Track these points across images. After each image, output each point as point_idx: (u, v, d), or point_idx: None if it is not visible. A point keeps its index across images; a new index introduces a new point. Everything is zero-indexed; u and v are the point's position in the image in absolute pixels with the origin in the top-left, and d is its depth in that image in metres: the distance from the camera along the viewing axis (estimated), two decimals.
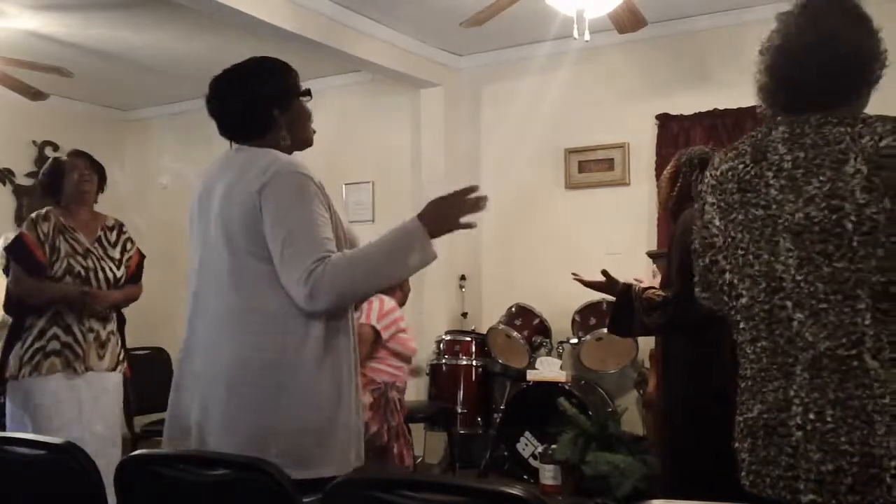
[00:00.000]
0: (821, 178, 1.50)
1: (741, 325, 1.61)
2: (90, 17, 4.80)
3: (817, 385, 1.48)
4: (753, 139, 1.62)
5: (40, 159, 6.54)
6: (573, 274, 3.03)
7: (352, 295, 1.94)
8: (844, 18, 1.59)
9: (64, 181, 3.26)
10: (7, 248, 3.24)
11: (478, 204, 1.98)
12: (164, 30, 5.01)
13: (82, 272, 3.13)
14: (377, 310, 3.82)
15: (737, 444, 1.62)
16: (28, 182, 6.50)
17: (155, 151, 6.91)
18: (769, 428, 1.53)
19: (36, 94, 4.93)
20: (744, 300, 1.59)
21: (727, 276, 1.63)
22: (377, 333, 3.79)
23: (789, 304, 1.52)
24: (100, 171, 3.35)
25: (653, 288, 2.82)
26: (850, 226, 1.46)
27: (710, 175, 1.67)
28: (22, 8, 4.62)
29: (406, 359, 3.98)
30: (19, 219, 6.35)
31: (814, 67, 1.59)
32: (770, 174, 1.56)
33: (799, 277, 1.51)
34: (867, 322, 1.45)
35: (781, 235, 1.53)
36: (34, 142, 6.54)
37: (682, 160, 2.87)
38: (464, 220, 1.98)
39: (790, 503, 1.49)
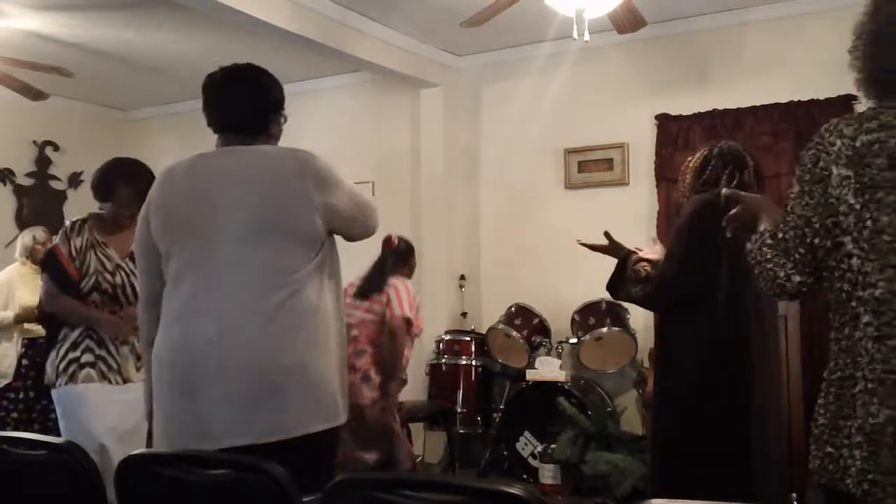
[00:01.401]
0: None
1: (865, 320, 1.43)
2: (90, 17, 4.81)
3: None
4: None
5: (40, 159, 6.56)
6: (578, 240, 3.05)
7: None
8: None
9: (111, 202, 3.14)
10: (41, 264, 3.19)
11: None
12: (165, 30, 5.02)
13: (109, 289, 3.08)
14: (407, 299, 3.90)
15: (831, 450, 1.48)
16: (28, 182, 6.51)
17: (155, 151, 6.88)
18: None
19: (36, 94, 4.94)
20: (878, 291, 1.41)
21: (854, 261, 1.44)
22: (409, 324, 3.86)
23: None
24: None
25: (646, 261, 2.85)
26: None
27: (844, 145, 1.45)
28: (22, 8, 4.62)
29: (414, 338, 4.05)
30: (19, 219, 6.36)
31: None
32: None
33: None
34: None
35: None
36: (34, 142, 6.55)
37: (713, 152, 2.84)
38: None
39: None
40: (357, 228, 2.25)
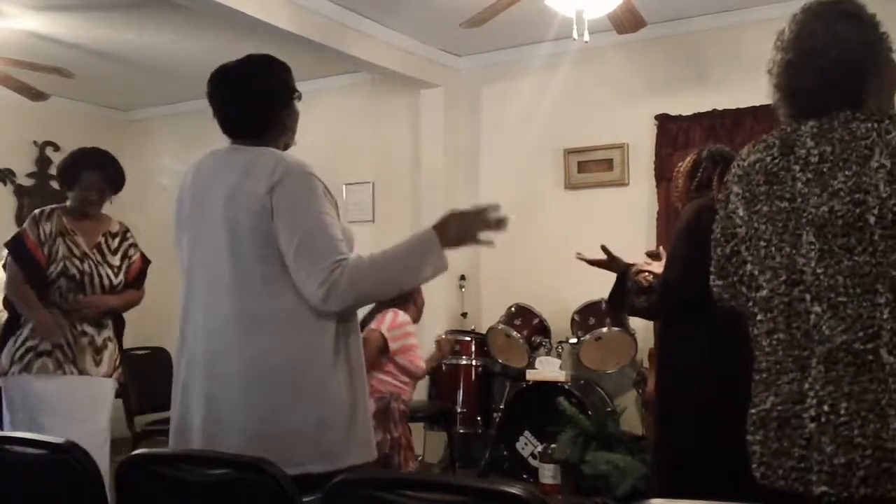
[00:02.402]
0: (846, 172, 1.51)
1: (759, 318, 1.61)
2: (91, 17, 4.81)
3: (832, 378, 1.48)
4: (783, 132, 1.62)
5: (41, 160, 6.55)
6: (577, 254, 3.06)
7: (365, 299, 1.97)
8: (839, 24, 1.60)
9: (76, 188, 3.19)
10: (7, 245, 3.19)
11: (500, 223, 2.03)
12: (165, 30, 5.02)
13: (77, 275, 3.09)
14: (389, 320, 3.83)
15: (749, 437, 1.62)
16: (29, 182, 6.51)
17: (155, 152, 6.91)
18: (782, 420, 1.53)
19: (37, 95, 4.94)
20: (763, 292, 1.59)
21: (748, 267, 1.62)
22: (385, 341, 3.79)
23: (808, 296, 1.52)
24: (117, 182, 3.25)
25: (646, 271, 2.85)
26: (872, 219, 1.47)
27: (738, 166, 1.67)
28: (22, 8, 4.62)
29: (413, 376, 3.99)
30: (20, 218, 6.35)
31: (810, 76, 1.60)
32: (797, 167, 1.56)
33: (819, 270, 1.51)
34: (885, 316, 1.45)
35: (804, 229, 1.53)
36: (35, 142, 6.54)
37: (702, 155, 2.88)
38: (482, 236, 2.01)
39: (802, 495, 1.49)
40: (295, 269, 1.87)
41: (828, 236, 1.50)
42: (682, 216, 2.79)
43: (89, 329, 3.15)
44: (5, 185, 6.41)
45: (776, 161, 1.59)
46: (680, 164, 2.99)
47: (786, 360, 1.54)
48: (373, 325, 3.83)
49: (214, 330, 1.95)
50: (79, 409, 3.06)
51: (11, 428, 3.03)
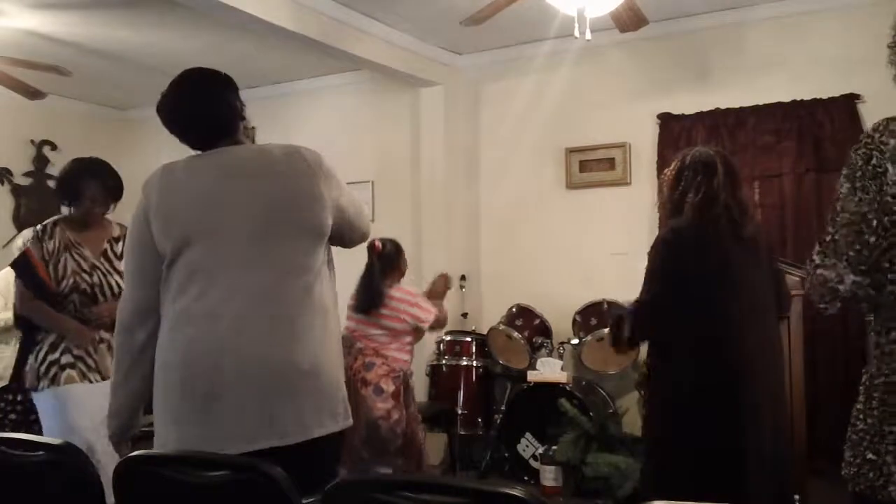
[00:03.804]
0: None
1: None
2: (89, 16, 4.79)
3: None
4: None
5: (38, 159, 6.54)
6: None
7: None
8: None
9: (79, 202, 3.19)
10: (12, 264, 3.20)
11: None
12: (164, 29, 5.00)
13: (88, 289, 3.12)
14: (421, 300, 3.94)
15: (873, 456, 1.43)
16: (26, 181, 6.49)
17: (154, 151, 6.82)
18: None
19: (34, 94, 4.92)
20: None
21: None
22: (436, 318, 3.98)
23: None
24: (116, 191, 3.26)
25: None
26: None
27: None
28: (21, 7, 4.61)
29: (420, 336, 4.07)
30: (17, 218, 6.34)
31: None
32: None
33: None
34: None
35: None
36: (32, 141, 6.53)
37: (685, 162, 2.86)
38: None
39: None
40: (356, 232, 2.22)
41: None
42: (664, 238, 2.81)
43: (105, 334, 3.16)
44: (2, 184, 6.40)
45: None
46: (666, 170, 3.00)
47: None
48: (423, 320, 3.90)
49: (250, 328, 1.94)
50: (102, 412, 3.08)
51: (48, 436, 3.04)
